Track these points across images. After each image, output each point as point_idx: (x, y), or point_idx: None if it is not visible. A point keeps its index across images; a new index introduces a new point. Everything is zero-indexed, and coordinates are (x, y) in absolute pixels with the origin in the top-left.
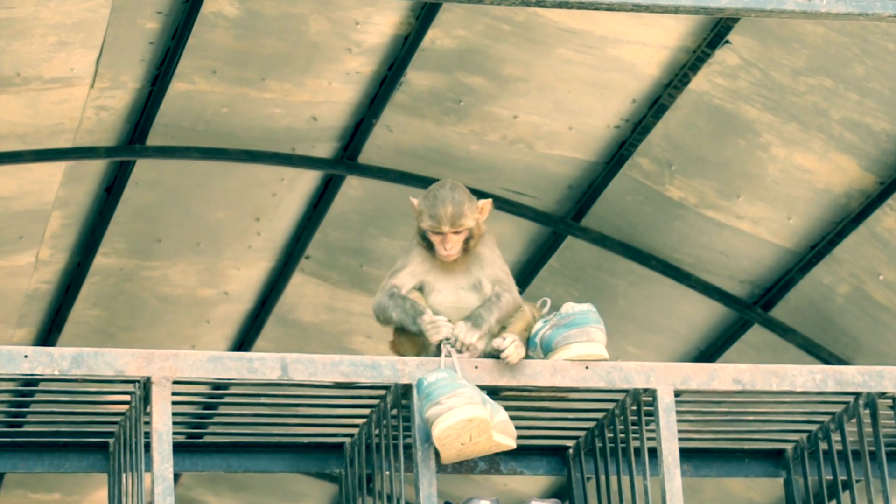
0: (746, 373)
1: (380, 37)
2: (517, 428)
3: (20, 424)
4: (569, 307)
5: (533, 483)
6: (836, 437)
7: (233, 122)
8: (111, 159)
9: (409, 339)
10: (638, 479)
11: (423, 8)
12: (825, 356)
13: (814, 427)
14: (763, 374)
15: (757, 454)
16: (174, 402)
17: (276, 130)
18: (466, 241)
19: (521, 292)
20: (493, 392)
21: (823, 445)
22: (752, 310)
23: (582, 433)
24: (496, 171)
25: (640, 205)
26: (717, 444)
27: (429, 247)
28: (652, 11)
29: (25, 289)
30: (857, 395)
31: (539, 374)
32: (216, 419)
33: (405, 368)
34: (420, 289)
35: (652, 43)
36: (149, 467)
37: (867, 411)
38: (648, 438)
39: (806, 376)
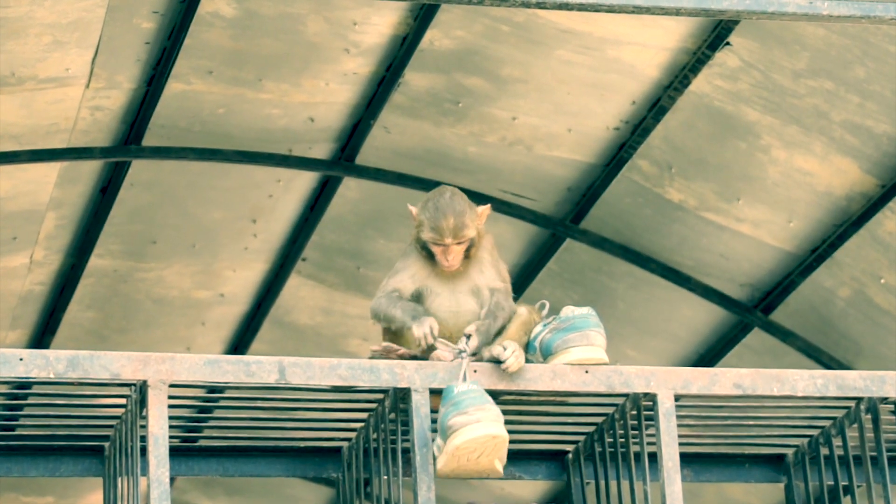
0: (747, 377)
1: (378, 37)
2: (516, 432)
3: (14, 428)
4: (568, 311)
5: (532, 488)
6: (837, 442)
7: (229, 123)
8: (106, 160)
9: (405, 340)
10: (638, 484)
11: (421, 8)
12: (826, 360)
13: (815, 432)
14: (764, 378)
15: (757, 459)
16: (170, 406)
17: (272, 131)
18: (467, 249)
19: (519, 295)
20: (492, 396)
21: (824, 450)
22: (753, 313)
23: (581, 438)
24: (495, 173)
25: (639, 207)
26: (718, 448)
27: (429, 255)
28: (653, 13)
29: (19, 290)
30: (859, 399)
31: (538, 378)
32: (212, 422)
33: (403, 372)
34: (419, 293)
35: (652, 44)
36: (144, 471)
37: (869, 416)
38: (648, 443)
39: (807, 381)
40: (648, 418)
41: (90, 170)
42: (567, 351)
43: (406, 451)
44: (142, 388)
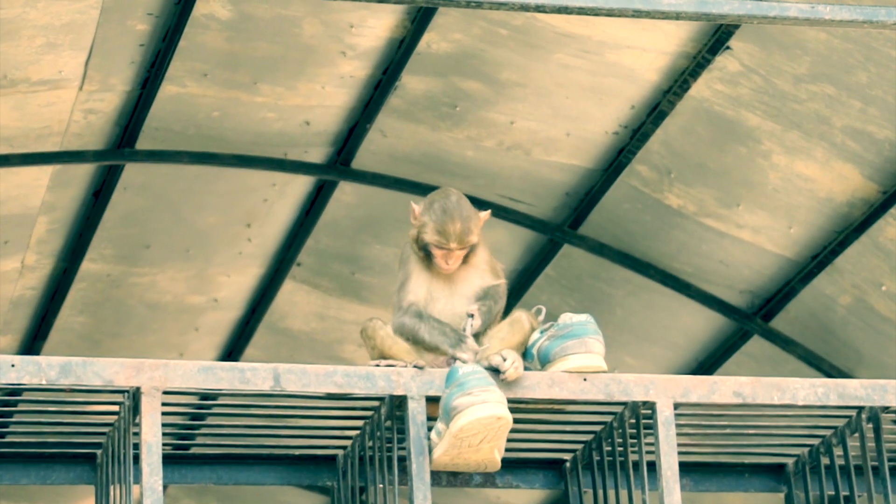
0: (747, 386)
1: (374, 40)
2: (514, 441)
3: (4, 435)
4: (566, 318)
5: (529, 496)
6: (838, 451)
7: (224, 126)
8: (99, 163)
9: (417, 350)
10: (636, 493)
11: (418, 11)
12: (826, 368)
13: (815, 441)
14: (764, 387)
15: (757, 468)
16: (164, 413)
17: (268, 135)
18: (467, 254)
19: (517, 301)
20: None
21: (825, 460)
22: (752, 320)
23: (579, 446)
24: (492, 178)
25: (638, 213)
26: (717, 458)
27: (426, 257)
28: (653, 17)
29: (10, 295)
30: (860, 408)
31: (536, 385)
32: (206, 430)
33: (400, 379)
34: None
35: (651, 48)
36: (137, 479)
37: (870, 425)
38: (647, 452)
39: (808, 389)
40: (647, 427)
41: (83, 173)
42: (565, 358)
43: (402, 460)
44: (135, 395)
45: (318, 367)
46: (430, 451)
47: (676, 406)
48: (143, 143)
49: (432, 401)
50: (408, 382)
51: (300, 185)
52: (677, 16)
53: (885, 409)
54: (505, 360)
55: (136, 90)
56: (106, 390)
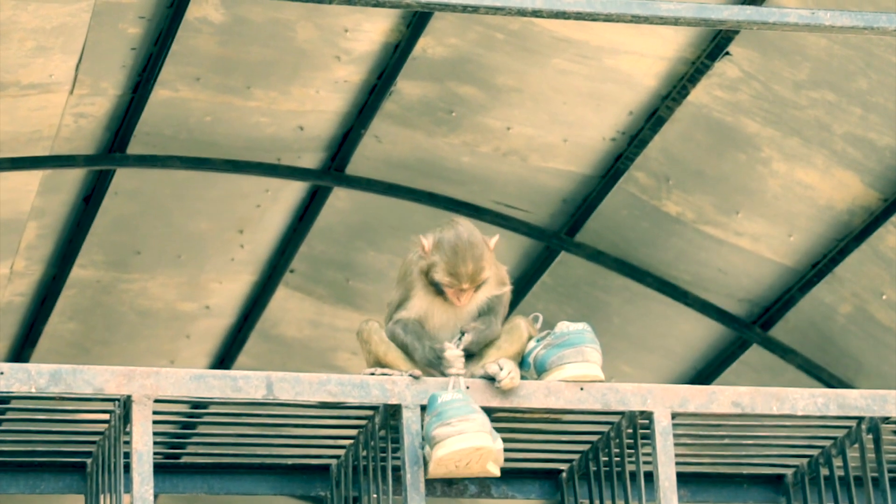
0: (746, 395)
1: (369, 44)
2: (509, 450)
3: None
4: (563, 326)
5: None
6: (837, 462)
7: (216, 131)
8: (90, 168)
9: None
10: (633, 503)
11: (414, 16)
12: (826, 377)
13: (815, 452)
14: (763, 396)
15: (756, 479)
16: (155, 421)
17: (261, 140)
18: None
19: (513, 309)
20: (485, 413)
21: (825, 471)
22: (751, 329)
23: (576, 456)
24: (488, 184)
25: (636, 220)
26: (715, 468)
27: (436, 287)
28: (651, 23)
29: None
30: (860, 419)
31: (532, 394)
32: (197, 439)
33: (394, 388)
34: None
35: (650, 53)
36: (128, 488)
37: (870, 436)
38: (644, 462)
39: (807, 400)
40: (644, 437)
41: (73, 178)
42: (562, 367)
43: (396, 469)
44: (126, 404)
45: (311, 376)
46: (426, 462)
47: (674, 416)
48: (134, 148)
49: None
50: (402, 391)
51: (294, 191)
52: (676, 21)
53: (886, 419)
54: (501, 369)
55: (128, 94)
56: (96, 398)
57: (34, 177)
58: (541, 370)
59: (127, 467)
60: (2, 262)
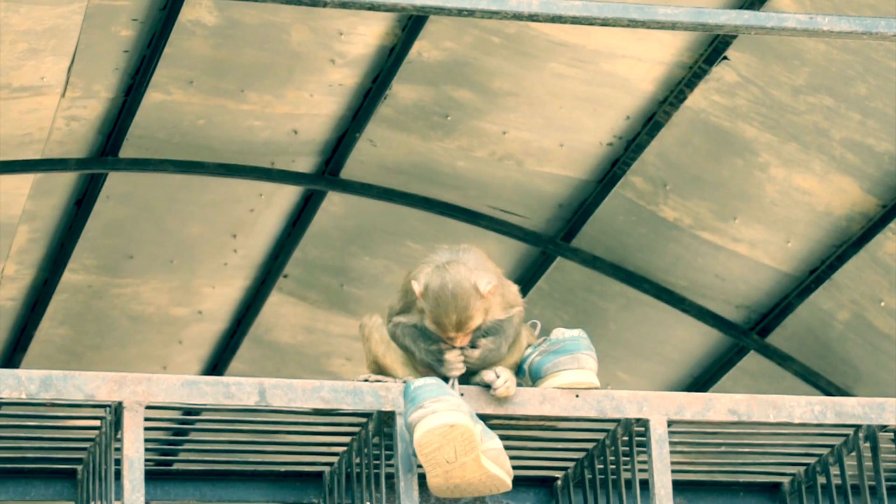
0: (743, 403)
1: (364, 48)
2: None
3: None
4: (559, 333)
5: None
6: (834, 470)
7: (210, 135)
8: (82, 172)
9: (409, 358)
10: None
11: (409, 19)
12: (823, 385)
13: (812, 460)
14: (760, 404)
15: (752, 487)
16: (146, 428)
17: (254, 144)
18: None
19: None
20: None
21: (822, 479)
22: (749, 336)
23: (571, 464)
24: (484, 189)
25: (633, 225)
26: (712, 476)
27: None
28: (648, 27)
29: None
30: (858, 427)
31: (527, 402)
32: (189, 445)
33: (388, 395)
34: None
35: (647, 58)
36: (119, 496)
37: (867, 444)
38: (640, 470)
39: (804, 407)
40: (640, 444)
41: (65, 182)
42: (557, 374)
43: (390, 477)
44: (117, 410)
45: (304, 382)
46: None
47: (670, 423)
48: (126, 152)
49: None
50: (396, 398)
51: (287, 195)
52: (673, 26)
53: (883, 428)
54: (498, 377)
55: (120, 97)
56: (87, 405)
57: (25, 180)
58: (536, 377)
59: (118, 474)
60: None
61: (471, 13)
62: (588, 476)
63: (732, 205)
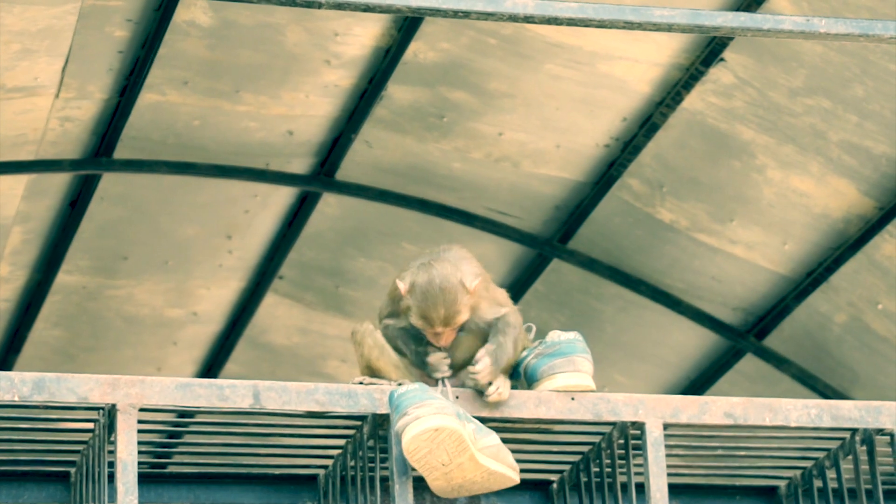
0: (739, 406)
1: (360, 49)
2: None
3: None
4: (555, 335)
5: None
6: (831, 474)
7: (205, 136)
8: (76, 172)
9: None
10: None
11: (405, 20)
12: (820, 388)
13: (808, 464)
14: (756, 408)
15: (749, 491)
16: (140, 431)
17: (249, 145)
18: (464, 324)
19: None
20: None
21: (818, 483)
22: (746, 338)
23: (567, 467)
24: (480, 190)
25: (629, 227)
26: (708, 479)
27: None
28: (645, 29)
29: None
30: (854, 431)
31: (523, 404)
32: (183, 448)
33: (383, 398)
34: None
35: (644, 59)
36: (112, 498)
37: (864, 448)
38: (636, 473)
39: (801, 411)
40: (636, 447)
41: (59, 183)
42: (553, 377)
43: (385, 480)
44: (110, 413)
45: (298, 385)
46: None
47: (666, 426)
48: (120, 153)
49: None
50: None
51: (283, 197)
52: (670, 28)
53: (880, 431)
54: (490, 382)
55: (115, 98)
56: (80, 407)
57: (19, 181)
58: (531, 380)
59: (111, 477)
60: None
61: (467, 14)
62: (584, 479)
63: (729, 207)
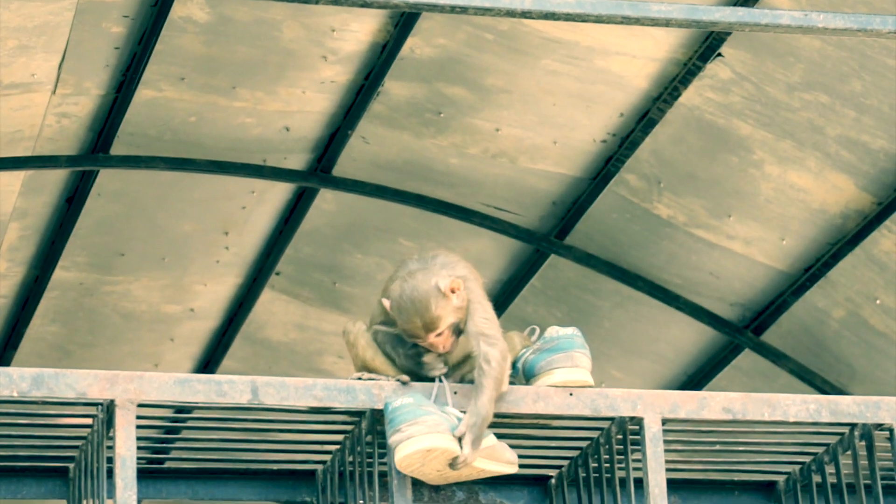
0: (737, 401)
1: (357, 44)
2: None
3: None
4: (553, 331)
5: None
6: (830, 469)
7: (201, 132)
8: (73, 169)
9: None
10: None
11: (402, 16)
12: (818, 383)
13: (807, 459)
14: (755, 403)
15: (747, 486)
16: (138, 426)
17: (246, 141)
18: (457, 326)
19: (501, 312)
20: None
21: (817, 478)
22: (743, 334)
23: (565, 462)
24: (477, 186)
25: (626, 223)
26: (706, 475)
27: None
28: (642, 24)
29: None
30: (853, 426)
31: (521, 400)
32: (181, 444)
33: (381, 393)
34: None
35: (641, 55)
36: (111, 494)
37: (863, 443)
38: (634, 469)
39: (799, 406)
40: (634, 443)
41: (56, 179)
42: (551, 373)
43: (383, 475)
44: (109, 408)
45: (297, 380)
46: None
47: (665, 422)
48: (117, 149)
49: None
50: (389, 396)
51: (279, 193)
52: (667, 23)
53: (879, 426)
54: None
55: (111, 94)
56: (79, 403)
57: (16, 177)
58: (530, 375)
59: (110, 472)
60: None
61: (464, 10)
62: (582, 475)
63: (727, 202)
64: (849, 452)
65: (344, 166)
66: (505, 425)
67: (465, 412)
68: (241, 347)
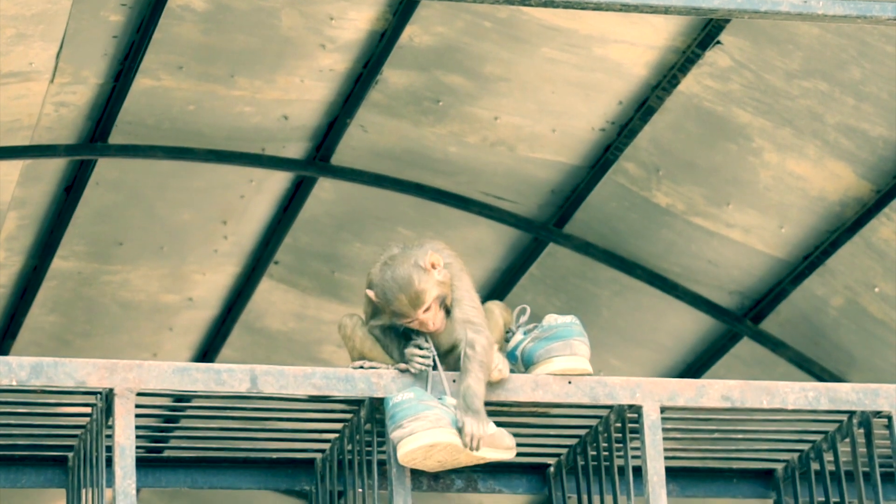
0: (736, 389)
1: (355, 33)
2: None
3: None
4: (551, 319)
5: (512, 502)
6: (828, 457)
7: (200, 121)
8: (71, 158)
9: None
10: (622, 498)
11: (400, 3)
12: (817, 371)
13: (805, 446)
14: (753, 390)
15: (746, 474)
16: (137, 415)
17: (244, 129)
18: (444, 301)
19: (501, 300)
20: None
21: (815, 466)
22: (742, 322)
23: (564, 450)
24: (476, 175)
25: (625, 211)
26: (705, 463)
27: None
28: (641, 11)
29: None
30: (851, 413)
31: (520, 388)
32: (181, 432)
33: (380, 382)
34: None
35: (640, 42)
36: (110, 482)
37: (861, 430)
38: (633, 457)
39: (798, 394)
40: (633, 431)
41: (54, 168)
42: (549, 361)
43: (382, 464)
44: (108, 397)
45: (296, 369)
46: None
47: (663, 410)
48: (115, 138)
49: None
50: (388, 385)
51: (278, 181)
52: (666, 10)
53: (877, 413)
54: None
55: (109, 83)
56: (78, 391)
57: (14, 166)
58: (528, 363)
59: (109, 461)
60: None
61: None
62: (581, 462)
63: (726, 190)
64: (847, 440)
65: (342, 155)
66: (504, 413)
67: None
68: (239, 337)
